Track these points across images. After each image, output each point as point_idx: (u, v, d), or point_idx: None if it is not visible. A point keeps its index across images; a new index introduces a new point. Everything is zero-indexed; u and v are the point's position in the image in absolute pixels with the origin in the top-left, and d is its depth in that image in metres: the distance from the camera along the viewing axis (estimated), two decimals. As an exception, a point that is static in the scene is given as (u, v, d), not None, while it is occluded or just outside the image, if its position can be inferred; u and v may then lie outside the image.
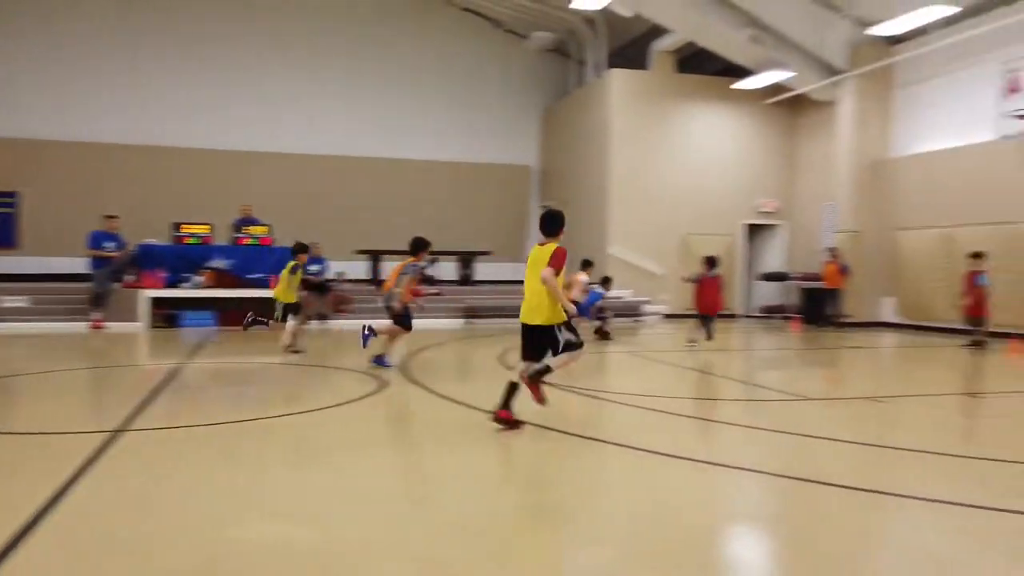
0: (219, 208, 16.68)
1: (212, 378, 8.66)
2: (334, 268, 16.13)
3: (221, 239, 15.28)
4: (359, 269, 17.72)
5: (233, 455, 4.91)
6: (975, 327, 11.55)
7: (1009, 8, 13.04)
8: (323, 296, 15.26)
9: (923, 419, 6.61)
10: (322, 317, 15.10)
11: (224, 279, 14.52)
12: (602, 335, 12.95)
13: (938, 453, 5.28)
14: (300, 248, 10.38)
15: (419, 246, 9.05)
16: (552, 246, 5.72)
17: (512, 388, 5.63)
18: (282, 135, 20.37)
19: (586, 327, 13.44)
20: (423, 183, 21.31)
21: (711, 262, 11.48)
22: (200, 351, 10.67)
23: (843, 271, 15.41)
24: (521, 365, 5.78)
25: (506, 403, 5.59)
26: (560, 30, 20.74)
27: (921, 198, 14.95)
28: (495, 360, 9.96)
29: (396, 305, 8.90)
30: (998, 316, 11.98)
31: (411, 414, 6.42)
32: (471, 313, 15.85)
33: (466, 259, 18.76)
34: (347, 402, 6.71)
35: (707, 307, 11.26)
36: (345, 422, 6.02)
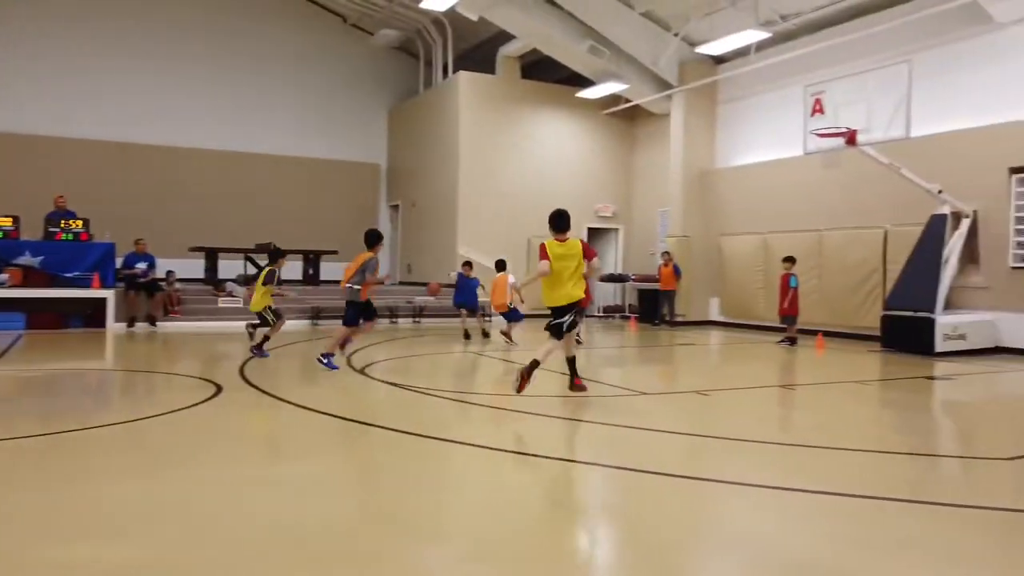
0: (28, 199, 15.16)
1: (23, 387, 7.83)
2: (166, 267, 15.13)
3: (32, 233, 13.82)
4: (194, 268, 16.69)
5: (46, 470, 4.47)
6: (788, 325, 12.74)
7: (812, 37, 14.53)
8: (151, 297, 14.26)
9: (743, 410, 7.20)
10: (151, 319, 14.11)
11: (34, 277, 13.18)
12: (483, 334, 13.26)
13: (757, 441, 5.78)
14: (277, 253, 10.26)
15: (376, 239, 9.18)
16: (576, 240, 6.98)
17: (572, 362, 7.07)
18: (107, 121, 18.79)
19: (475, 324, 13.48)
20: (267, 178, 20.47)
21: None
22: (4, 357, 9.63)
23: (676, 273, 16.49)
24: (555, 342, 6.96)
25: (574, 374, 7.01)
26: (408, 29, 20.64)
27: (741, 207, 16.27)
28: (342, 362, 9.73)
29: (359, 300, 8.95)
30: (806, 315, 13.29)
31: (247, 420, 6.15)
32: (317, 314, 15.38)
33: (312, 258, 18.17)
34: (176, 410, 6.31)
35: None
36: (174, 431, 5.66)
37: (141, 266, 14.22)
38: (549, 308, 6.99)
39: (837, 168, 11.85)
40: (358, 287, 8.94)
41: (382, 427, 6.01)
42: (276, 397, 7.05)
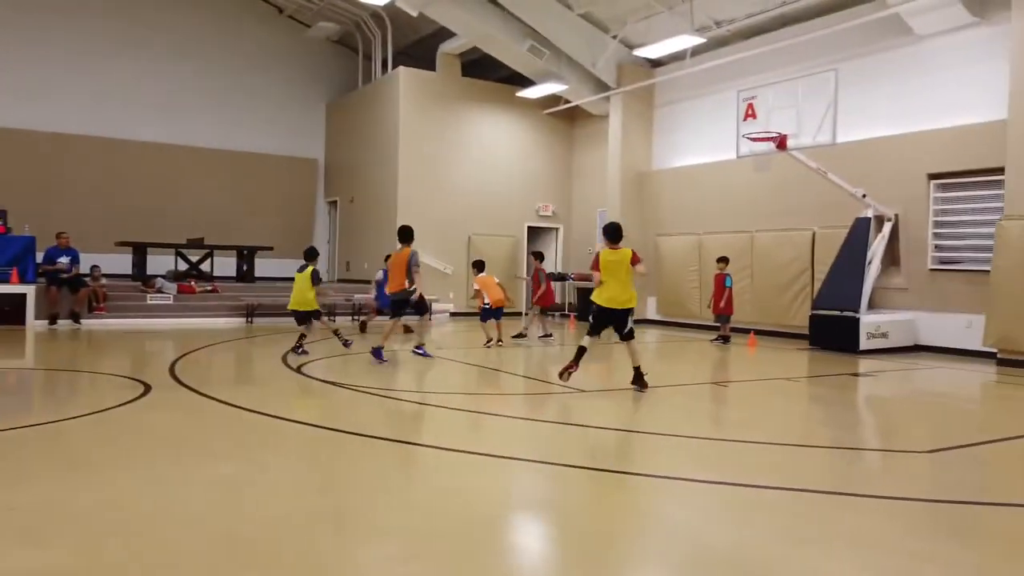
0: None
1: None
2: (91, 262, 14.55)
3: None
4: (121, 263, 16.10)
5: (-42, 476, 4.25)
6: (722, 323, 13.08)
7: (745, 43, 14.94)
8: (75, 293, 13.69)
9: (677, 407, 7.37)
10: (74, 316, 13.55)
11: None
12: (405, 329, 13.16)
13: (690, 437, 5.92)
14: (314, 252, 10.40)
15: (412, 234, 9.71)
16: (627, 249, 7.76)
17: (581, 351, 7.79)
18: (26, 110, 17.93)
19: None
20: (200, 172, 19.89)
21: (538, 256, 13.10)
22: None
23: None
24: (587, 340, 7.82)
25: (577, 360, 7.79)
26: (346, 22, 20.34)
27: (677, 207, 16.61)
28: (277, 360, 9.55)
29: (411, 296, 9.57)
30: (739, 314, 13.67)
31: (177, 420, 5.97)
32: (252, 311, 15.02)
33: (246, 254, 17.75)
34: (102, 410, 6.08)
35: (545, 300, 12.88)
36: (99, 432, 5.46)
37: (63, 261, 13.63)
38: (599, 307, 7.80)
39: (768, 171, 12.22)
40: (413, 286, 9.57)
41: (318, 426, 5.93)
42: (209, 396, 6.86)
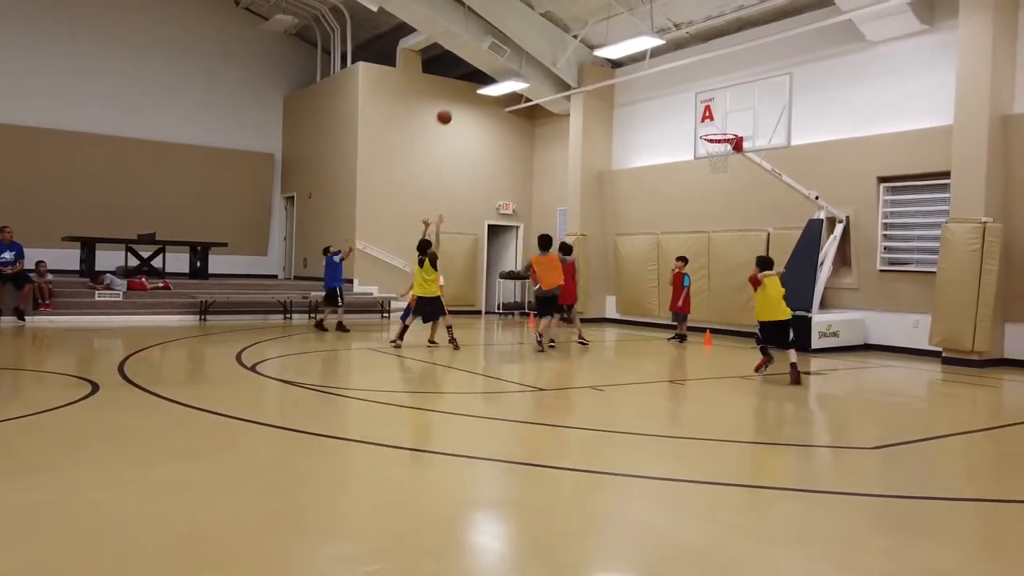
0: None
1: None
2: (36, 257, 14.08)
3: None
4: (68, 259, 15.62)
5: None
6: (680, 322, 13.25)
7: (703, 46, 15.16)
8: (20, 289, 13.26)
9: (635, 405, 7.44)
10: (18, 313, 13.12)
11: None
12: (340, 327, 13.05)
13: (647, 435, 5.98)
14: (428, 244, 11.33)
15: (551, 242, 11.32)
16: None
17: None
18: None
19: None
20: (152, 166, 19.36)
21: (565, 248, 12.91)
22: None
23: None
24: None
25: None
26: (304, 16, 20.05)
27: (636, 207, 16.77)
28: (231, 359, 9.37)
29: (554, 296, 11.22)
30: (696, 312, 13.87)
31: (127, 420, 5.81)
32: (206, 308, 14.71)
33: (199, 250, 17.38)
34: (47, 410, 5.89)
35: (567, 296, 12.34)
36: (44, 433, 5.28)
37: (7, 256, 13.18)
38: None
39: (725, 172, 12.40)
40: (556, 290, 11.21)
41: (274, 426, 5.83)
42: (160, 396, 6.70)
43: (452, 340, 11.22)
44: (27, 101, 17.86)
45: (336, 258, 13.78)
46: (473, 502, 4.18)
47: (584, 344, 12.22)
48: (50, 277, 13.89)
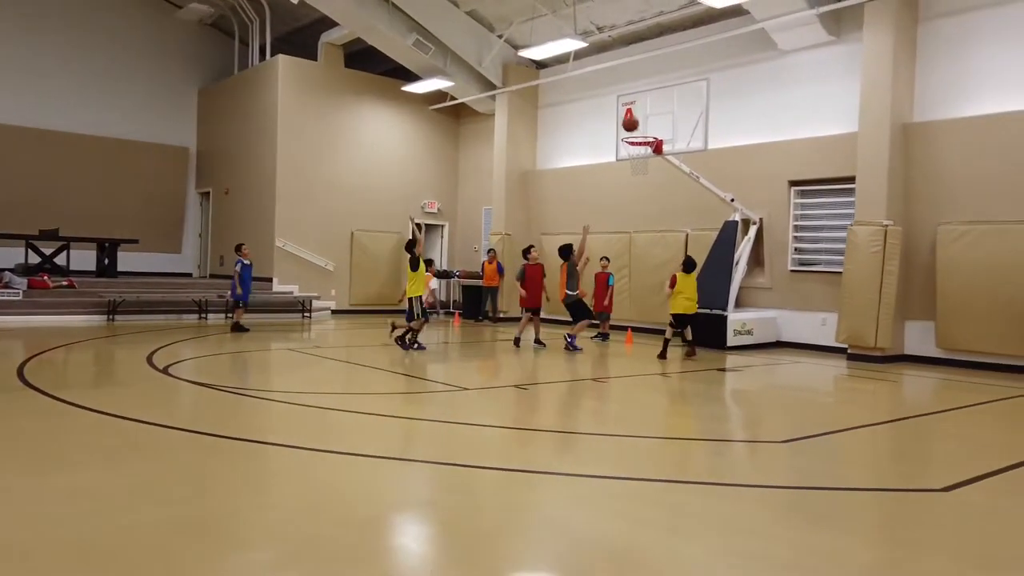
0: None
1: None
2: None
3: None
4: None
5: None
6: (603, 320, 13.47)
7: (624, 50, 15.44)
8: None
9: (557, 403, 7.51)
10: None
11: None
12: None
13: (568, 432, 6.05)
14: (414, 243, 11.22)
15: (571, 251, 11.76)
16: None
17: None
18: None
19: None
20: (56, 158, 18.34)
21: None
22: None
23: (500, 271, 16.87)
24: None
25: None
26: (220, 5, 19.39)
27: (560, 207, 16.94)
28: (142, 361, 8.98)
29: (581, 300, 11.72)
30: (617, 311, 14.12)
31: (26, 426, 5.49)
32: (114, 308, 14.04)
33: (107, 247, 16.59)
34: (-62, 418, 5.51)
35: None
36: (-66, 442, 4.94)
37: None
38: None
39: (646, 174, 12.66)
40: (575, 292, 11.55)
41: (184, 429, 5.62)
42: (62, 400, 6.36)
43: (400, 340, 11.04)
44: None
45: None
46: (389, 504, 4.13)
47: (542, 346, 12.03)
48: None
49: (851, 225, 11.49)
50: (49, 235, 15.85)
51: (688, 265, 11.05)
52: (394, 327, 11.57)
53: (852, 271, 11.29)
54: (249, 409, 6.63)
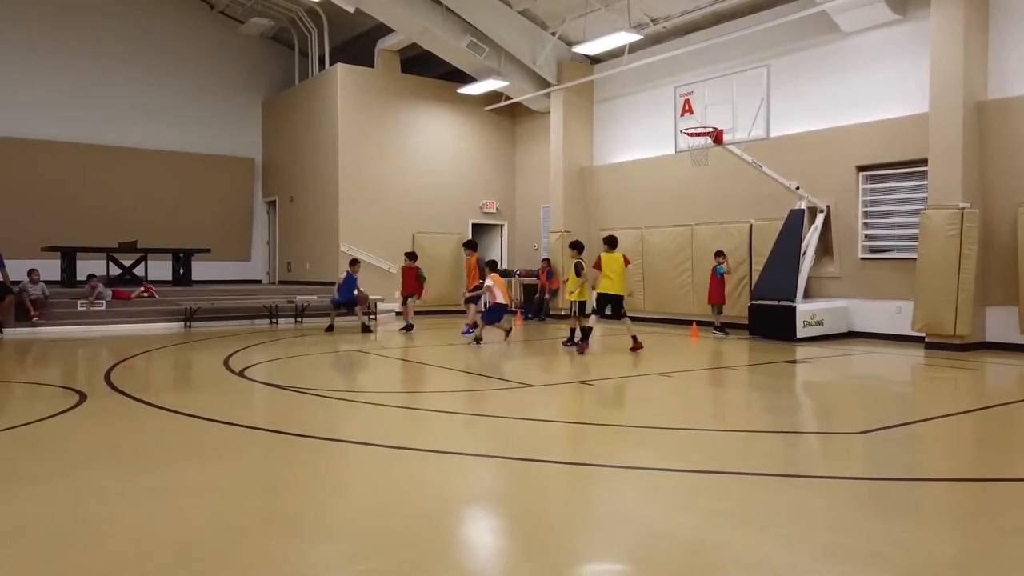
0: None
1: None
2: (17, 268, 13.89)
3: None
4: (47, 269, 15.42)
5: None
6: (717, 313, 13.35)
7: (680, 40, 15.24)
8: (1, 301, 13.12)
9: (623, 397, 7.48)
10: (-1, 325, 12.97)
11: None
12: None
13: (637, 426, 6.03)
14: (581, 245, 11.79)
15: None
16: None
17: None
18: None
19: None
20: (132, 173, 19.20)
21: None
22: None
23: (548, 278, 17.01)
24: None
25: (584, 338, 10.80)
26: (280, 18, 19.94)
27: (619, 202, 16.84)
28: (219, 364, 9.33)
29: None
30: (680, 305, 13.96)
31: (116, 428, 5.78)
32: (189, 316, 14.62)
33: (182, 257, 17.25)
34: (35, 421, 5.85)
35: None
36: (32, 444, 5.25)
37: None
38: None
39: (706, 165, 12.48)
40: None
41: (263, 429, 5.83)
42: (148, 403, 6.67)
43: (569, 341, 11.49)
44: (5, 113, 17.64)
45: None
46: (461, 498, 4.20)
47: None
48: (43, 287, 13.64)
49: (924, 209, 11.09)
50: (128, 247, 16.59)
51: (611, 242, 11.18)
52: (508, 333, 12.27)
53: (927, 257, 10.89)
54: (322, 408, 6.83)
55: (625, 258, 11.13)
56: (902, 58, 12.03)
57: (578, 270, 11.28)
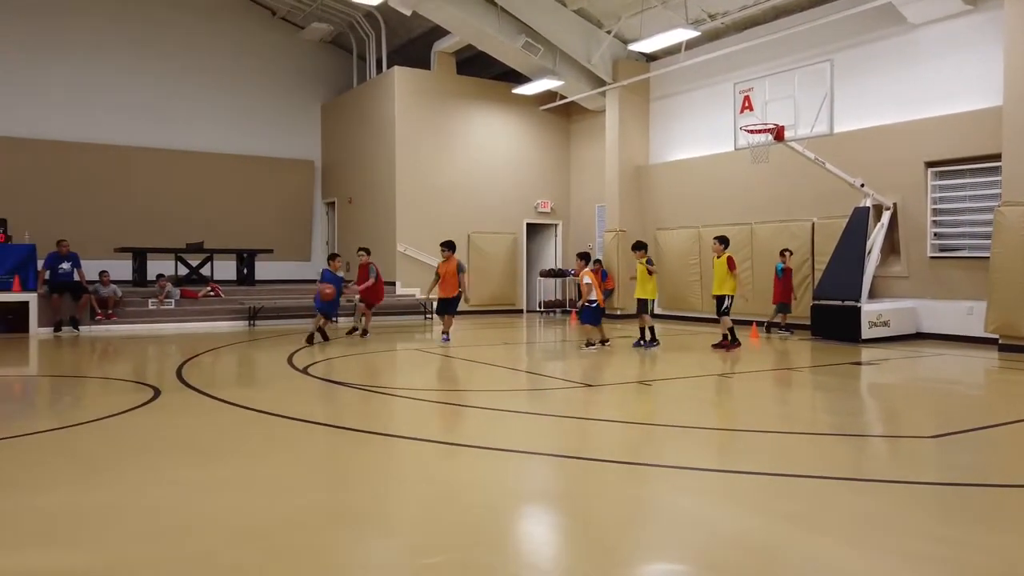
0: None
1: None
2: (91, 268, 14.50)
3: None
4: (118, 269, 16.07)
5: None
6: (784, 313, 13.18)
7: (739, 36, 14.98)
8: (77, 300, 13.72)
9: (684, 398, 7.41)
10: (74, 322, 13.57)
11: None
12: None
13: (698, 428, 5.96)
14: (640, 245, 11.50)
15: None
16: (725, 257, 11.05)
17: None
18: (25, 118, 17.91)
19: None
20: (197, 176, 19.84)
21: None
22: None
23: (603, 278, 16.90)
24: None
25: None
26: (339, 23, 20.33)
27: (675, 201, 16.65)
28: (283, 362, 9.58)
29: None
30: (739, 305, 13.68)
31: (187, 422, 6.00)
32: (254, 314, 15.04)
33: (245, 257, 17.75)
34: (112, 415, 6.11)
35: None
36: (110, 436, 5.49)
37: (65, 267, 13.64)
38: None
39: (766, 163, 12.24)
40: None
41: (326, 424, 5.96)
42: (218, 399, 6.90)
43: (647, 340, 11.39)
44: (78, 119, 18.45)
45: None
46: (522, 495, 4.22)
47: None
48: (115, 288, 14.23)
49: (998, 206, 10.65)
50: (195, 248, 17.16)
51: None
52: (589, 343, 11.05)
53: (1001, 255, 10.46)
54: (382, 405, 6.94)
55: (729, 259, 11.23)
56: (974, 50, 11.59)
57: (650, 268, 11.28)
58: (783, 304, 13.18)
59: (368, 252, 13.55)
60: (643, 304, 11.40)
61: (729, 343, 11.11)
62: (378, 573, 3.14)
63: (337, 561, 3.18)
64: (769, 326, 13.46)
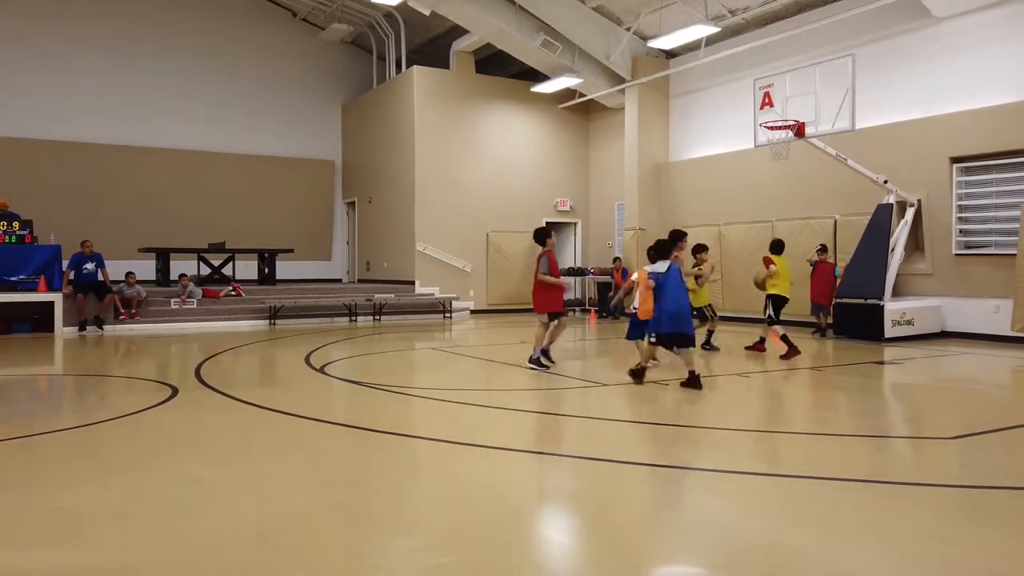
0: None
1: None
2: (114, 268, 14.68)
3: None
4: (142, 268, 16.27)
5: (9, 473, 4.36)
6: (824, 314, 12.76)
7: (759, 31, 14.81)
8: (101, 299, 13.90)
9: (703, 398, 7.33)
10: (98, 322, 13.76)
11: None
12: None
13: (717, 428, 5.90)
14: (700, 248, 10.70)
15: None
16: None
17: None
18: (49, 120, 18.19)
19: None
20: (218, 176, 20.04)
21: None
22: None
23: (624, 276, 16.81)
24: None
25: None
26: (359, 23, 20.42)
27: (695, 199, 16.51)
28: (300, 361, 9.64)
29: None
30: (757, 304, 13.54)
31: (205, 421, 6.05)
32: (275, 313, 15.16)
33: (267, 257, 17.90)
34: (131, 413, 6.18)
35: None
36: (129, 434, 5.55)
37: (89, 267, 13.84)
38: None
39: (787, 160, 12.10)
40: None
41: (341, 424, 5.98)
42: (234, 398, 6.95)
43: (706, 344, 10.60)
44: (100, 121, 18.71)
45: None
46: (533, 494, 4.20)
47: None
48: (139, 288, 14.40)
49: (1025, 202, 10.44)
50: (217, 248, 17.33)
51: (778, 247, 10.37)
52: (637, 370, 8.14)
53: (1028, 252, 10.25)
54: (398, 405, 6.96)
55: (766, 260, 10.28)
56: (1001, 43, 11.36)
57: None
58: (816, 305, 12.71)
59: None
60: (700, 312, 10.36)
61: (789, 348, 9.73)
62: (389, 572, 3.14)
63: (350, 559, 3.18)
64: (818, 330, 12.84)
